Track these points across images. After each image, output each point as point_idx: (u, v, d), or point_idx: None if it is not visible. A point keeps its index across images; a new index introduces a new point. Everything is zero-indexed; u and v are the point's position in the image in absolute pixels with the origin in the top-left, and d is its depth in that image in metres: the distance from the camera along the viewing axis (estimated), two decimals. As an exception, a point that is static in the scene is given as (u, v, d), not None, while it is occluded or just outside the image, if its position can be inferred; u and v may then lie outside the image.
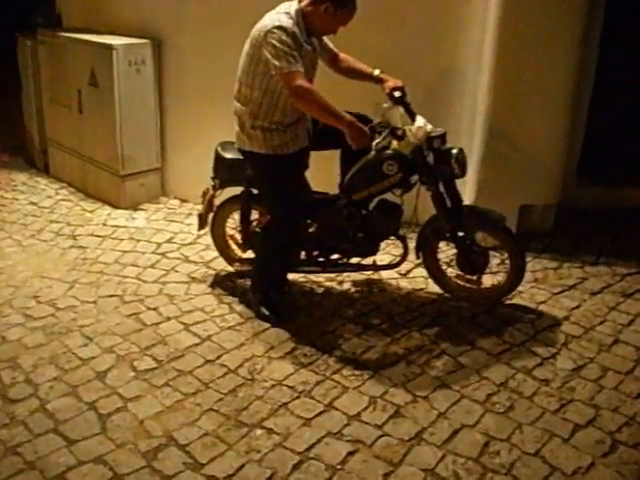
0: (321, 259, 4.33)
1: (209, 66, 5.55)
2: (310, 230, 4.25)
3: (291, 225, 4.01)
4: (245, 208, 4.32)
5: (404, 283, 4.56)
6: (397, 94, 3.91)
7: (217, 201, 4.44)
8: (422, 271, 4.51)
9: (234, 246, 4.56)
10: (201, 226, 4.53)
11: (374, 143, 3.78)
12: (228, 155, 4.18)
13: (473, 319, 4.14)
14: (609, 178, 5.57)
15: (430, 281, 4.44)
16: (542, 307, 4.27)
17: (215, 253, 4.77)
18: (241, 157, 4.04)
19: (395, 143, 3.87)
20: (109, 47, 5.53)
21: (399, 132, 3.83)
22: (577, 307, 4.28)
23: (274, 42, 3.56)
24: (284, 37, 3.56)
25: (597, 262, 4.83)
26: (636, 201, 5.54)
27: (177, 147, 5.96)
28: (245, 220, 4.36)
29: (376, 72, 4.06)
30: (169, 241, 5.20)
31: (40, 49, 6.47)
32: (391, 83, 3.96)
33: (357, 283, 4.55)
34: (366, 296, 4.41)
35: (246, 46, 3.78)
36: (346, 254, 4.29)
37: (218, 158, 4.25)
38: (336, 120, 3.67)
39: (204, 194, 4.43)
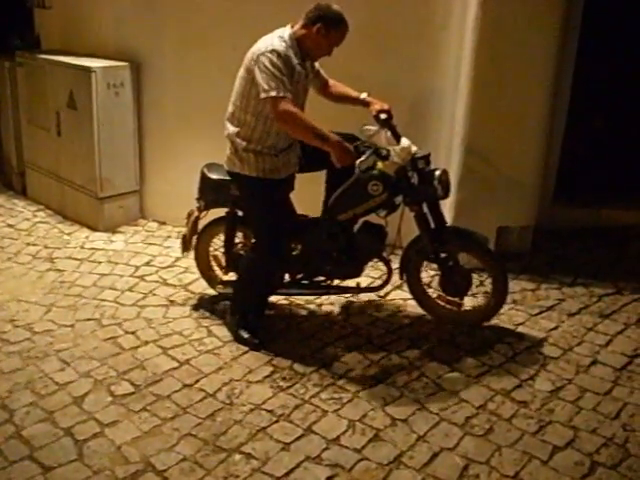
0: (305, 281, 4.33)
1: (188, 89, 5.57)
2: (294, 252, 4.25)
3: (275, 248, 4.01)
4: (230, 230, 4.31)
5: (382, 305, 4.56)
6: (383, 116, 3.96)
7: (201, 223, 4.43)
8: (400, 293, 4.54)
9: (217, 268, 4.55)
10: (185, 248, 4.52)
11: (357, 162, 3.79)
12: (214, 176, 4.17)
13: (452, 341, 4.15)
14: (585, 199, 5.63)
15: (408, 303, 4.45)
16: (520, 328, 4.29)
17: (194, 276, 4.75)
18: (227, 178, 4.04)
19: (380, 164, 3.89)
20: (88, 69, 5.53)
21: (383, 152, 3.87)
22: (555, 328, 4.30)
23: (265, 65, 3.59)
24: (275, 60, 3.59)
25: (574, 283, 4.87)
26: (612, 221, 5.60)
27: (156, 170, 5.95)
28: (229, 242, 4.35)
29: (363, 95, 4.12)
30: (147, 264, 5.18)
31: (18, 71, 6.46)
32: (377, 106, 4.01)
33: (336, 306, 4.55)
34: (345, 319, 4.41)
35: (241, 69, 3.80)
36: (330, 276, 4.29)
37: (204, 179, 4.24)
38: (321, 141, 3.69)
39: (188, 216, 4.42)
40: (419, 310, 4.39)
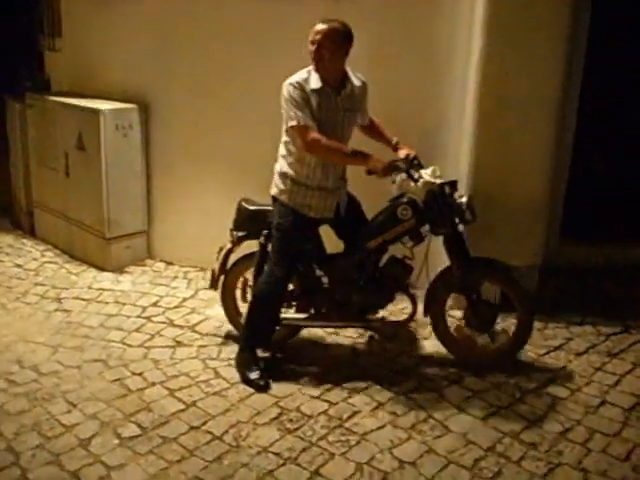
0: (330, 314, 4.36)
1: (195, 131, 5.63)
2: (321, 285, 4.30)
3: (282, 280, 4.08)
4: (261, 261, 4.32)
5: (390, 346, 4.55)
6: (412, 156, 4.12)
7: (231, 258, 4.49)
8: (407, 334, 4.52)
9: (241, 302, 4.54)
10: (213, 285, 4.56)
11: (394, 180, 3.99)
12: (251, 207, 4.33)
13: (459, 382, 4.13)
14: (591, 237, 5.63)
15: (416, 343, 4.44)
16: (528, 368, 4.27)
17: (200, 317, 4.78)
18: (262, 208, 4.23)
19: (411, 186, 4.01)
20: (96, 111, 5.60)
21: (415, 175, 3.99)
22: (563, 368, 4.29)
23: (286, 98, 3.79)
24: (292, 92, 3.77)
25: (582, 322, 4.86)
26: (619, 259, 5.59)
27: (163, 210, 5.99)
28: (259, 274, 4.34)
29: (394, 140, 4.28)
30: (154, 304, 5.19)
31: (28, 113, 6.54)
32: (405, 151, 4.16)
33: (344, 347, 4.55)
34: (353, 360, 4.40)
35: None
36: (355, 308, 4.31)
37: (240, 210, 4.37)
38: (357, 160, 3.88)
39: (220, 250, 4.48)
40: (427, 351, 4.40)
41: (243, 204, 4.38)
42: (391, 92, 4.96)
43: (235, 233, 4.43)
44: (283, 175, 3.99)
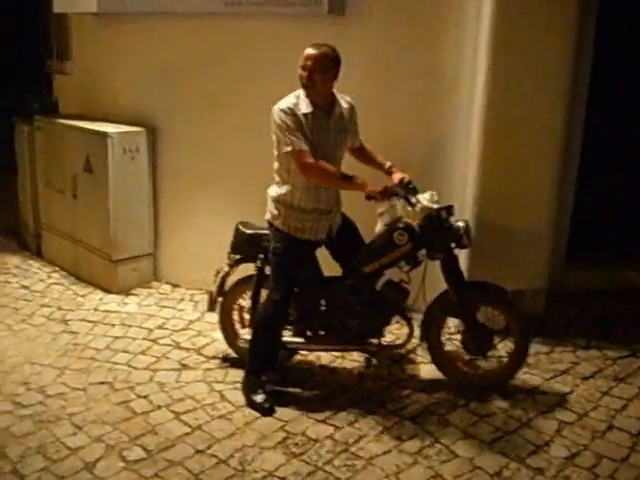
0: (327, 337, 4.35)
1: (203, 154, 5.67)
2: (318, 308, 4.30)
3: (282, 303, 4.09)
4: (257, 286, 4.35)
5: (395, 370, 4.55)
6: (406, 180, 4.10)
7: (229, 281, 4.50)
8: (413, 358, 4.52)
9: (239, 324, 4.55)
10: (210, 308, 4.58)
11: (385, 207, 3.98)
12: (248, 231, 4.35)
13: (466, 407, 4.12)
14: (597, 260, 5.63)
15: (421, 368, 4.44)
16: (535, 393, 4.26)
17: (206, 339, 4.78)
18: (259, 232, 4.25)
19: (400, 213, 4.02)
20: (104, 135, 5.65)
21: (412, 199, 3.99)
22: (570, 392, 4.27)
23: (278, 124, 3.82)
24: (284, 117, 3.79)
25: (588, 346, 4.85)
26: (625, 282, 5.59)
27: (170, 233, 6.01)
28: (256, 298, 4.38)
29: (387, 164, 4.26)
30: (161, 327, 5.19)
31: (36, 135, 6.59)
32: (399, 175, 4.15)
33: (349, 371, 4.54)
34: (359, 384, 4.39)
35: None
36: (352, 332, 4.30)
37: (238, 233, 4.39)
38: (352, 185, 3.91)
39: (217, 272, 4.49)
40: (433, 375, 4.38)
41: (240, 227, 4.40)
42: (393, 114, 5.01)
43: (232, 256, 4.46)
44: (276, 201, 4.02)
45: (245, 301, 4.50)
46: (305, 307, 4.32)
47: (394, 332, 4.80)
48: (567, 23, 4.66)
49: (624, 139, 5.64)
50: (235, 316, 4.57)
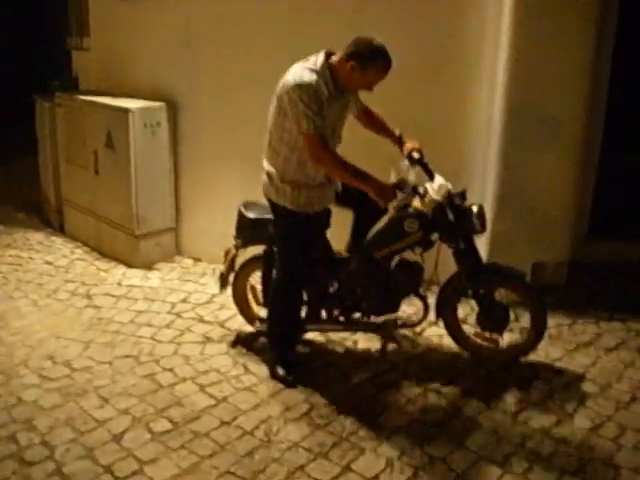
0: (342, 318, 4.35)
1: (223, 128, 5.67)
2: (331, 289, 4.27)
3: (296, 282, 4.06)
4: (266, 267, 4.33)
5: (419, 342, 4.56)
6: (416, 155, 3.98)
7: (239, 260, 4.49)
8: (436, 330, 4.53)
9: (255, 305, 4.57)
10: (222, 286, 4.57)
11: (394, 202, 3.83)
12: (251, 215, 4.26)
13: (489, 378, 4.13)
14: (621, 233, 5.59)
15: (444, 340, 4.44)
16: (557, 364, 4.26)
17: (230, 312, 4.79)
18: (264, 217, 4.11)
19: (416, 201, 3.93)
20: (125, 110, 5.66)
21: (421, 190, 3.90)
22: (593, 364, 4.27)
23: (296, 101, 3.53)
24: (305, 97, 3.51)
25: (611, 318, 4.83)
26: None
27: (191, 207, 6.04)
28: (266, 279, 4.35)
29: (398, 132, 4.13)
30: (184, 301, 5.23)
31: (57, 112, 6.63)
32: (409, 145, 4.03)
33: (372, 343, 4.55)
34: (381, 356, 4.41)
35: (273, 99, 3.76)
36: (366, 312, 4.31)
37: (241, 217, 4.32)
38: (359, 181, 3.71)
39: (226, 253, 4.48)
40: (455, 347, 4.37)
41: (243, 211, 4.31)
42: (418, 94, 4.99)
43: (238, 240, 4.41)
44: (280, 181, 3.80)
45: (256, 280, 4.50)
46: (317, 289, 4.27)
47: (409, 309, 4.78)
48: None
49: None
50: (249, 295, 4.58)
